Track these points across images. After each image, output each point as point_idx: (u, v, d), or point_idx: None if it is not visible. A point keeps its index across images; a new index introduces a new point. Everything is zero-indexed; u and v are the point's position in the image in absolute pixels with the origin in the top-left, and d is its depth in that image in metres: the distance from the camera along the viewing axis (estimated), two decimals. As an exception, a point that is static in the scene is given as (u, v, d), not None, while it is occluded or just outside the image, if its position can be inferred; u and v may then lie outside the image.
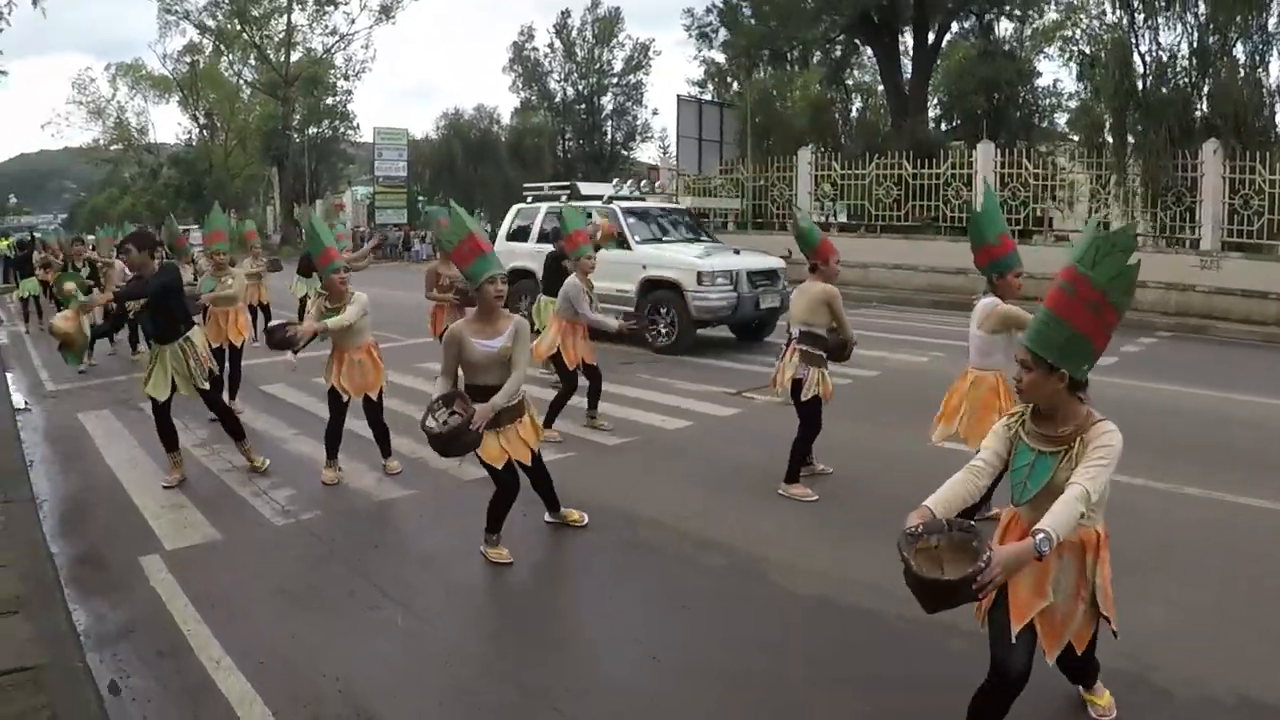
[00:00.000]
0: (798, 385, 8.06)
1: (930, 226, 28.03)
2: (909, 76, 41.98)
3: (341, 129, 69.69)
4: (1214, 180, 22.32)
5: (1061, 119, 48.66)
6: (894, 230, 28.46)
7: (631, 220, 17.95)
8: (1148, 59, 32.31)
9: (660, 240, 18.14)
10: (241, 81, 68.60)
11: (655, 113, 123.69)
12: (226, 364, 11.41)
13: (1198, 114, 28.96)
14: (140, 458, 9.52)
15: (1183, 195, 23.38)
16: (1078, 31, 35.41)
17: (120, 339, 16.36)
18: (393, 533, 7.66)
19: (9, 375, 14.70)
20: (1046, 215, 27.26)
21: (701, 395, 12.34)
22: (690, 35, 49.31)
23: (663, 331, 16.28)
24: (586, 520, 7.38)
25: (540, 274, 14.27)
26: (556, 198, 20.15)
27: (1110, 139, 32.33)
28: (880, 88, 50.15)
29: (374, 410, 8.76)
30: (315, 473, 8.81)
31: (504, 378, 6.34)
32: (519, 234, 19.79)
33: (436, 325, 11.99)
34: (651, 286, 16.61)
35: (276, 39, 64.14)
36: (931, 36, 40.94)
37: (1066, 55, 36.72)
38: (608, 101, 68.19)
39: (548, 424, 9.72)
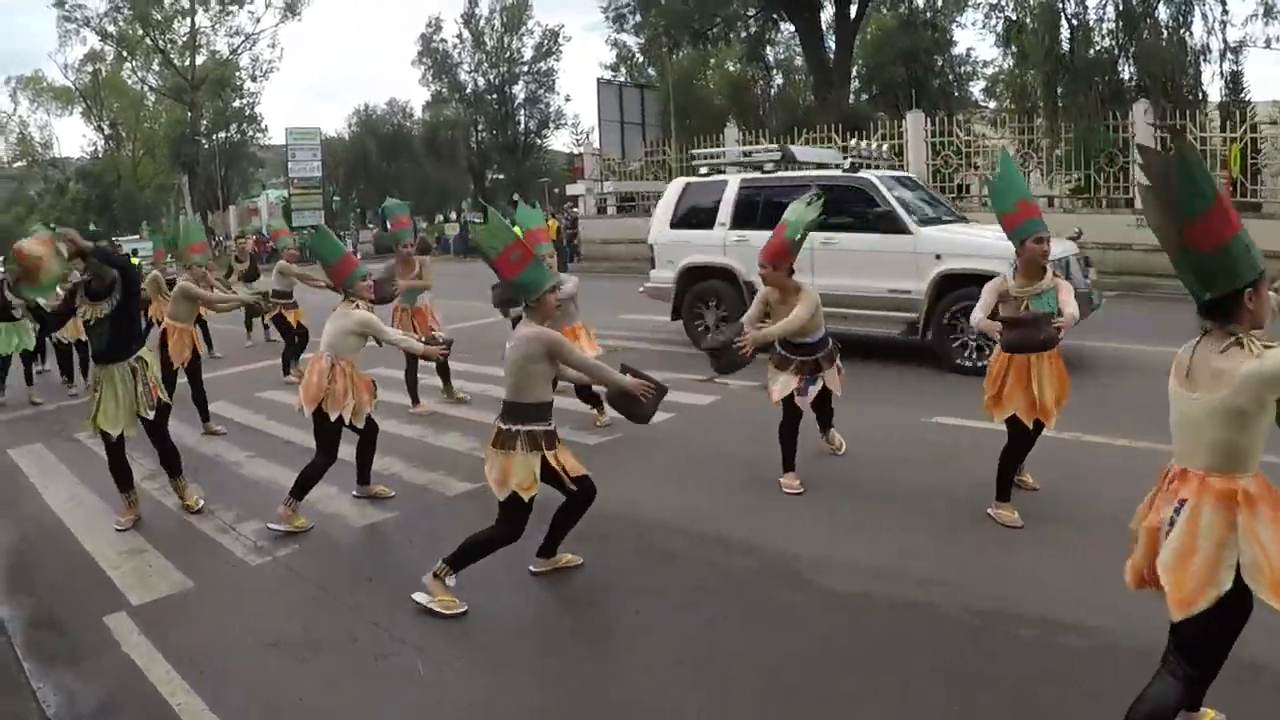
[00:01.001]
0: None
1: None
2: (832, 50, 41.40)
3: (250, 132, 68.03)
4: (1145, 140, 22.05)
5: (976, 87, 48.99)
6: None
7: (899, 194, 13.04)
8: (1074, 23, 32.42)
9: (939, 221, 13.20)
10: (146, 88, 66.64)
11: (568, 99, 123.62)
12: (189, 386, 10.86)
13: (1125, 76, 29.02)
14: (84, 495, 8.63)
15: (1115, 156, 23.20)
16: (1003, -2, 35.42)
17: (46, 367, 15.37)
18: (384, 563, 6.88)
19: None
20: (965, 183, 26.99)
21: (675, 385, 11.57)
22: (607, 18, 48.52)
23: (971, 345, 11.64)
24: (581, 560, 6.50)
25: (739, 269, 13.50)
26: (758, 166, 14.46)
27: (1041, 104, 32.46)
28: (799, 62, 50.29)
29: (366, 431, 7.94)
30: (280, 501, 8.02)
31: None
32: (694, 217, 14.53)
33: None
34: (950, 284, 11.97)
35: (180, 42, 62.43)
36: (854, 9, 40.43)
37: (992, 21, 36.47)
38: (519, 90, 67.56)
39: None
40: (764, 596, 5.82)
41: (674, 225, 14.74)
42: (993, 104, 45.96)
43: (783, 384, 7.56)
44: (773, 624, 5.44)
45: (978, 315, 6.60)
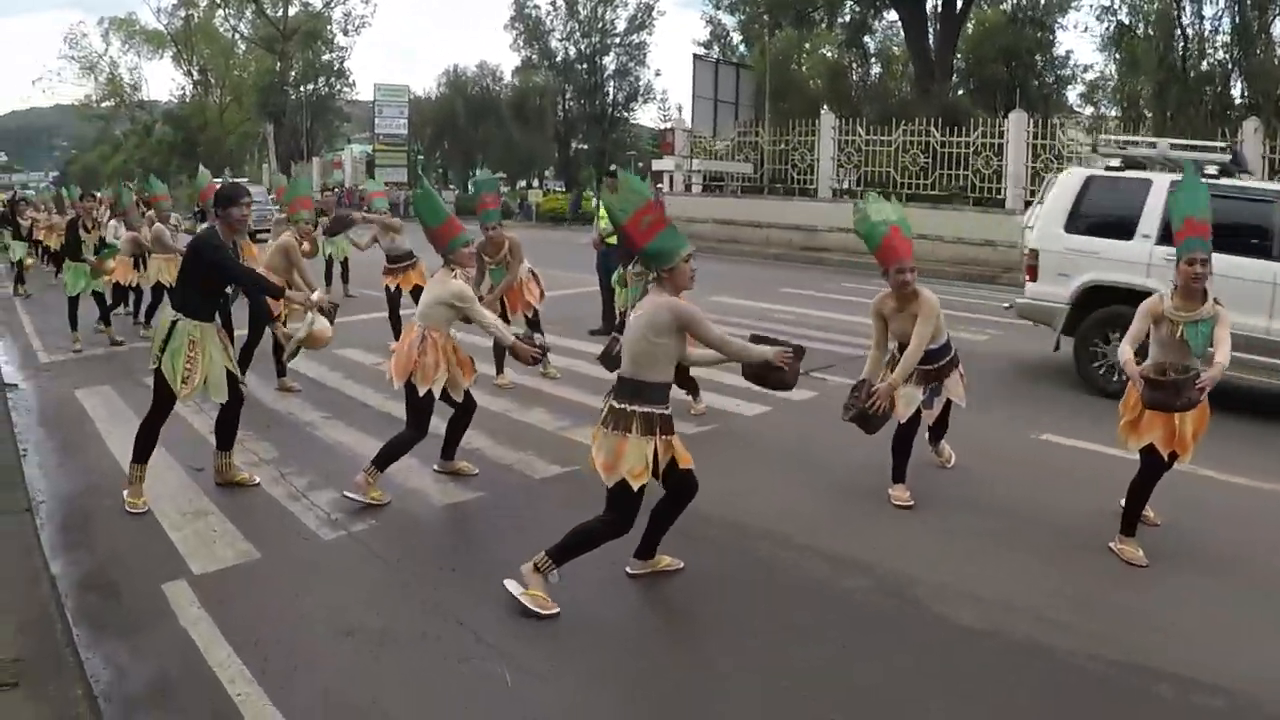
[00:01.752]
0: None
1: (957, 196, 26.81)
2: (934, 42, 40.26)
3: (338, 86, 68.27)
4: (1254, 159, 21.06)
5: (1073, 92, 47.76)
6: (919, 199, 27.01)
7: None
8: (1189, 33, 31.38)
9: None
10: (237, 36, 67.07)
11: (658, 74, 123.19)
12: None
13: (1235, 92, 28.06)
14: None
15: (1229, 172, 22.14)
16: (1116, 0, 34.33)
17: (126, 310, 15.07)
18: (467, 550, 6.32)
19: (-1, 345, 13.37)
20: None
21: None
22: (711, -7, 47.72)
23: None
24: (682, 564, 5.92)
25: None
26: (1197, 167, 8.86)
27: (1149, 113, 31.41)
28: (897, 52, 49.28)
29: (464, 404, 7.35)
30: (358, 469, 7.51)
31: None
32: (1101, 222, 11.05)
33: (511, 304, 10.60)
34: None
35: (274, -9, 62.63)
36: (960, 2, 39.25)
37: (1103, 25, 35.33)
38: (609, 61, 66.69)
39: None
40: (878, 622, 5.24)
41: (1070, 229, 11.20)
42: (1088, 110, 44.70)
43: (908, 398, 6.94)
44: (889, 654, 4.88)
45: (1124, 350, 6.03)
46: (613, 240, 13.07)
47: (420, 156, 60.08)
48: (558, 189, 60.98)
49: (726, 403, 9.76)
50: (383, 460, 6.83)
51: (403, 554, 6.07)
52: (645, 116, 69.59)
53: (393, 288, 12.44)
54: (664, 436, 5.12)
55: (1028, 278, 11.70)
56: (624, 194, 5.10)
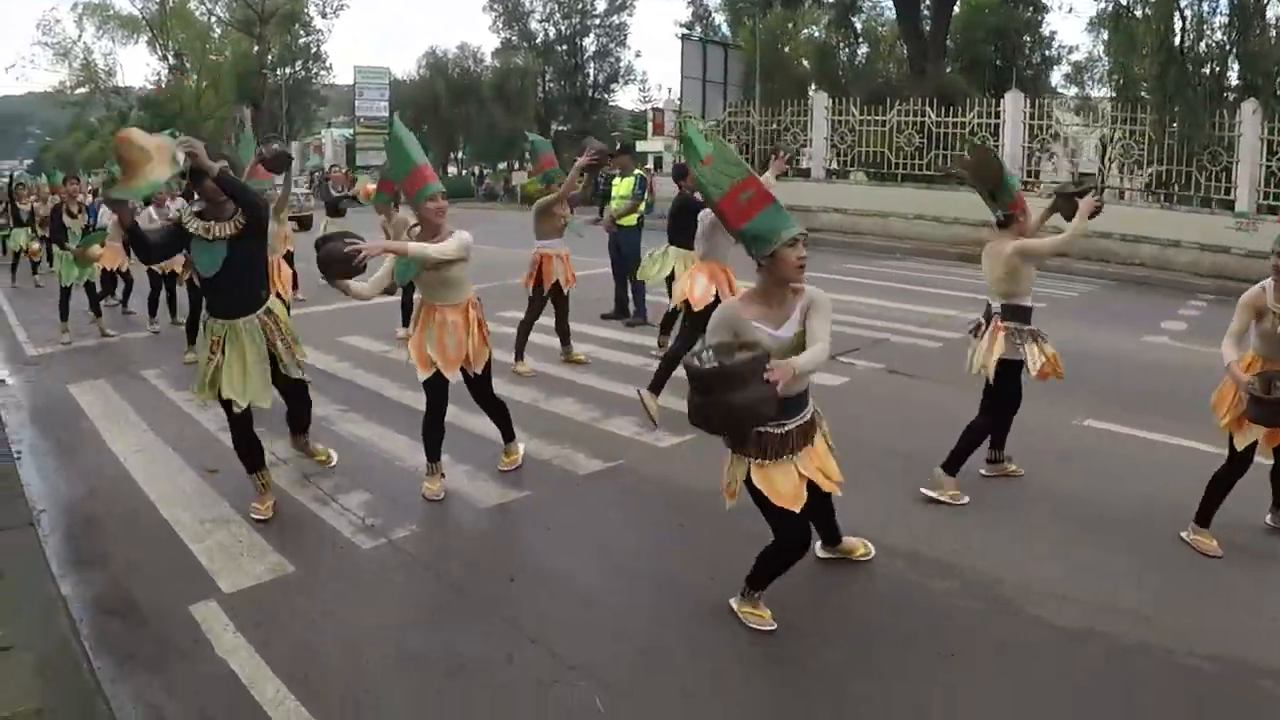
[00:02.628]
0: (1005, 366, 6.34)
1: (954, 177, 26.28)
2: (928, 22, 39.62)
3: (314, 70, 67.29)
4: (1252, 140, 20.63)
5: (1058, 72, 47.42)
6: (915, 180, 26.54)
7: None
8: (1188, 14, 31.08)
9: None
10: (213, 20, 65.91)
11: (638, 55, 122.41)
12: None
13: (1232, 73, 27.87)
14: (154, 446, 7.60)
15: (1218, 155, 21.60)
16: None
17: (115, 300, 14.39)
18: (522, 555, 5.75)
19: (-20, 337, 12.67)
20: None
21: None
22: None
23: None
24: (873, 552, 5.49)
25: None
26: None
27: (1148, 95, 31.01)
28: (883, 32, 48.74)
29: (481, 386, 6.67)
30: (385, 467, 6.94)
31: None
32: None
33: (543, 276, 9.99)
34: None
35: (251, -27, 61.55)
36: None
37: (1100, 4, 34.91)
38: (590, 43, 66.37)
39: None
40: (977, 628, 4.75)
41: None
42: (1073, 90, 44.37)
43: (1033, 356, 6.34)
44: (998, 662, 4.44)
45: (1227, 350, 5.51)
46: (627, 221, 12.47)
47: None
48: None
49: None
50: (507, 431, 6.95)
51: (452, 563, 5.52)
52: (625, 98, 69.05)
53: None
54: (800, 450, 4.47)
55: None
56: (719, 166, 4.40)
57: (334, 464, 6.82)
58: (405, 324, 10.88)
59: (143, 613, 4.90)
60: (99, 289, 12.95)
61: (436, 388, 6.35)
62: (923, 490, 6.32)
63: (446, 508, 6.32)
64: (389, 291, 10.92)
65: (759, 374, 3.75)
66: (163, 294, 13.08)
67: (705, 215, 8.43)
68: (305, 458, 6.91)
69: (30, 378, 10.43)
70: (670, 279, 10.21)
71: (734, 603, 4.78)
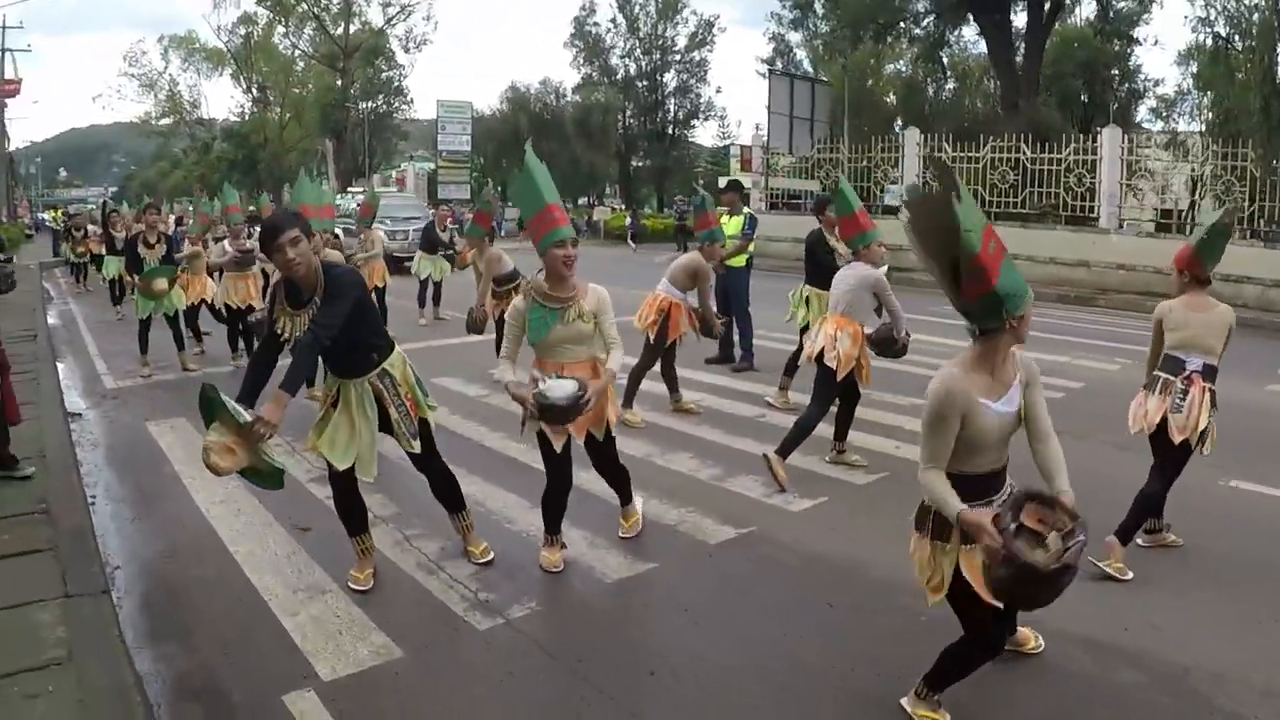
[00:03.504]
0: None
1: (1049, 215, 25.36)
2: (1020, 55, 38.60)
3: (396, 104, 67.68)
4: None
5: (1143, 107, 46.43)
6: (1009, 218, 25.44)
7: None
8: None
9: None
10: (296, 53, 66.70)
11: (719, 90, 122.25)
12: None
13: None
14: (241, 499, 6.90)
15: None
16: (1212, 11, 32.88)
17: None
18: (659, 641, 4.92)
19: (60, 367, 12.14)
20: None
21: (904, 409, 9.66)
22: (785, 8, 46.60)
23: None
24: (1044, 645, 4.71)
25: None
26: None
27: (1257, 128, 29.94)
28: (971, 65, 47.91)
29: (606, 450, 5.88)
30: (496, 530, 6.19)
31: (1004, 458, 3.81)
32: None
33: (670, 325, 9.27)
34: None
35: (334, 10, 62.10)
36: (1045, 12, 37.60)
37: (1197, 35, 33.92)
38: (670, 79, 65.95)
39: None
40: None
41: None
42: (1159, 125, 43.33)
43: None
44: None
45: None
46: (736, 262, 11.65)
47: (478, 174, 59.05)
48: (616, 205, 59.80)
49: (879, 441, 8.44)
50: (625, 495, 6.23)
51: (581, 650, 4.73)
52: (705, 134, 68.73)
53: (497, 314, 10.76)
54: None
55: None
56: (968, 210, 3.52)
57: (490, 559, 5.78)
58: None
59: (230, 701, 4.21)
60: (185, 322, 12.42)
61: (563, 454, 5.57)
62: (1092, 561, 5.45)
63: (567, 581, 5.57)
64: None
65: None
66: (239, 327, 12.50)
67: (857, 272, 7.62)
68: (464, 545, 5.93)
69: (108, 412, 9.91)
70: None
71: (907, 703, 4.07)
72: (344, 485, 5.29)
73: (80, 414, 9.74)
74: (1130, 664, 4.58)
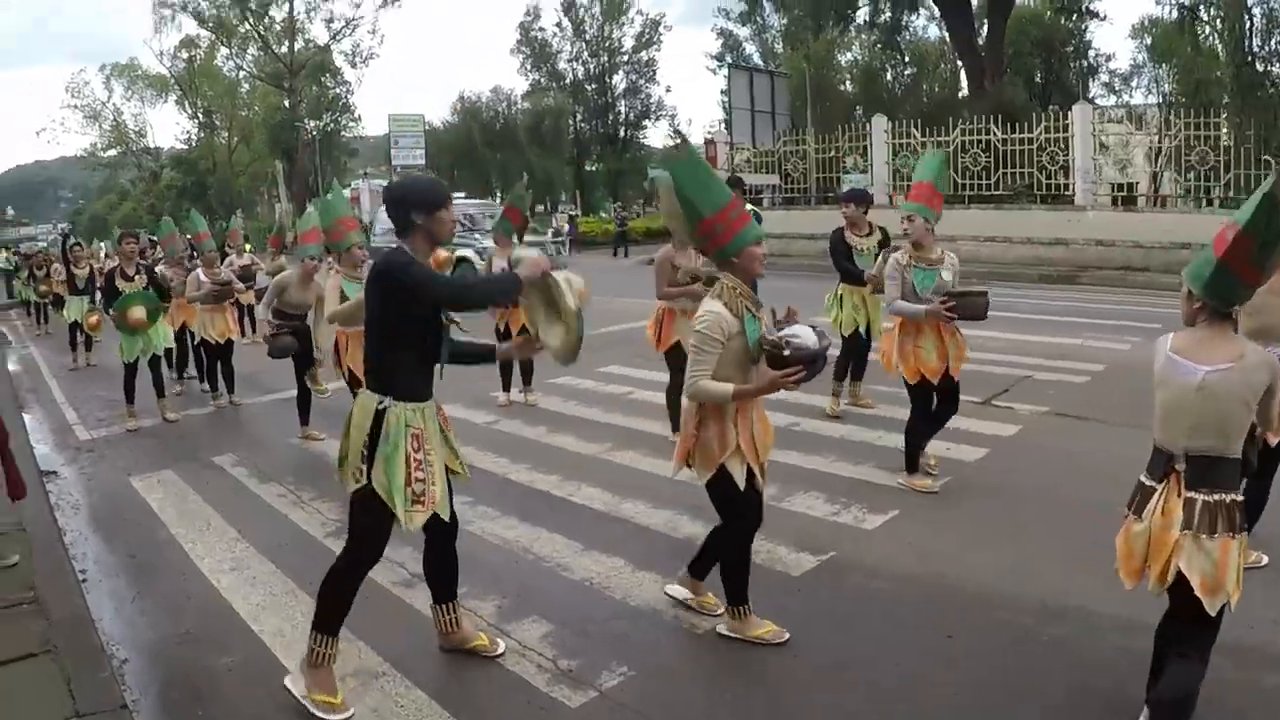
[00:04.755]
0: None
1: (1024, 196, 24.96)
2: (983, 36, 38.26)
3: (344, 121, 66.71)
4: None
5: (1095, 83, 46.45)
6: (983, 200, 25.37)
7: None
8: (1256, 13, 30.33)
9: None
10: (242, 74, 65.71)
11: (668, 90, 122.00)
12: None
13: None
14: (253, 562, 6.09)
15: None
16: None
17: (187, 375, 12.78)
18: (774, 702, 4.18)
19: (26, 419, 11.19)
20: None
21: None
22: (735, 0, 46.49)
23: None
24: None
25: None
26: None
27: (1226, 99, 29.79)
28: (928, 51, 47.71)
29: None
30: (553, 581, 5.45)
31: None
32: None
33: (663, 335, 8.26)
34: None
35: (278, 28, 61.10)
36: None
37: (1163, 7, 33.75)
38: (619, 80, 65.89)
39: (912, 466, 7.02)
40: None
41: None
42: (1111, 99, 43.30)
43: None
44: None
45: None
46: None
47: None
48: (573, 211, 58.75)
49: (936, 446, 7.57)
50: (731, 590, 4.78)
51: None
52: (656, 136, 68.37)
53: (501, 326, 9.99)
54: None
55: None
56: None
57: (500, 653, 4.69)
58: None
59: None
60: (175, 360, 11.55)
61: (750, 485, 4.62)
62: None
63: (655, 636, 4.81)
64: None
65: None
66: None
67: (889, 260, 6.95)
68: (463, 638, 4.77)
69: (85, 468, 9.00)
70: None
71: None
72: (446, 539, 4.50)
73: (55, 472, 8.84)
74: (1272, 666, 4.23)
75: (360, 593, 4.29)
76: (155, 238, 20.39)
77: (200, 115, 67.92)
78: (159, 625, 5.32)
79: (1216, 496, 3.32)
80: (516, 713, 4.14)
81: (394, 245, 4.16)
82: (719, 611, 4.85)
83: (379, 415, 4.05)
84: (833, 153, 29.73)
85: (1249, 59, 29.39)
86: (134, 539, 6.84)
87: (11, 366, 16.36)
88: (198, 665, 4.77)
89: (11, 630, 4.90)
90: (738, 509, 4.56)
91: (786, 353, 4.15)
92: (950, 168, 26.29)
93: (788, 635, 4.65)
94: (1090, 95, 44.25)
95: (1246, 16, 30.45)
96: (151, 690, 4.54)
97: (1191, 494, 3.34)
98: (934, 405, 6.93)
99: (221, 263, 12.55)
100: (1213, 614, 3.32)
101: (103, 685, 4.23)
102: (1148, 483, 3.51)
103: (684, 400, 4.57)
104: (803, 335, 4.21)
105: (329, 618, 4.16)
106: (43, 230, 74.33)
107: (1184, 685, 3.33)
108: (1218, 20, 31.35)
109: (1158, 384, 3.46)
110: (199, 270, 11.31)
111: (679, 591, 5.05)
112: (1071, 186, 24.67)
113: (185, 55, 64.96)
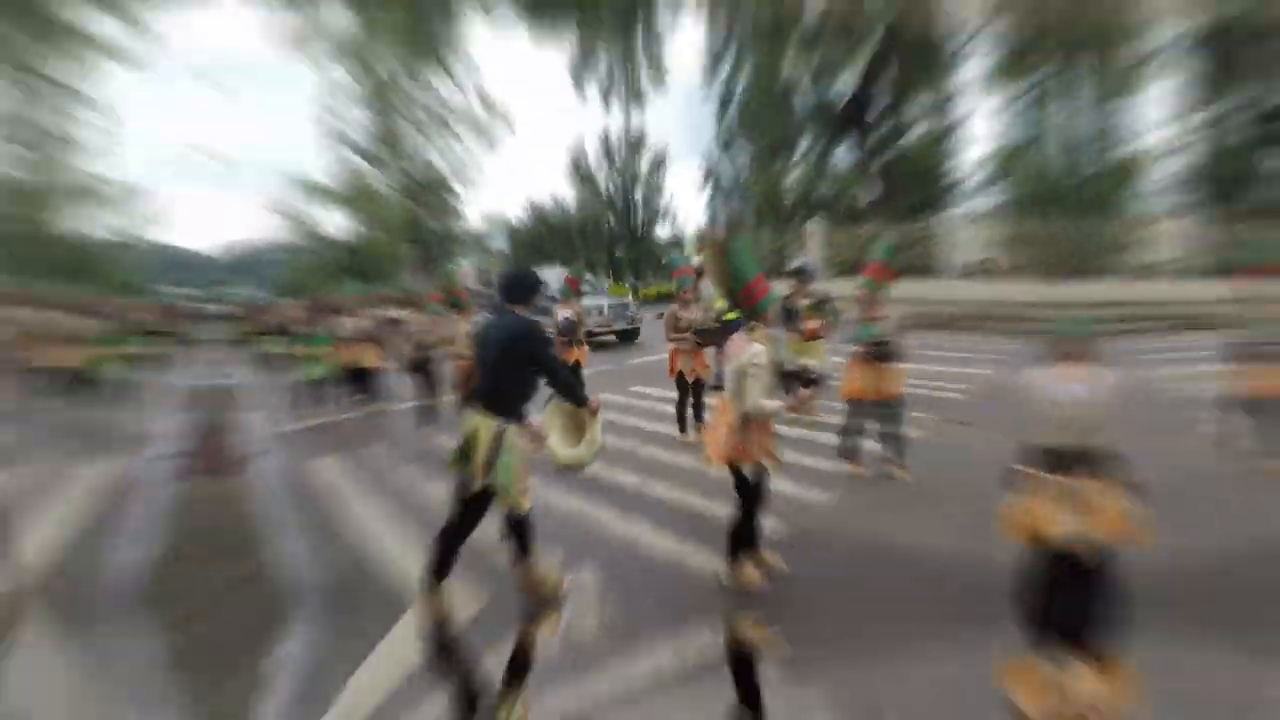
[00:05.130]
0: None
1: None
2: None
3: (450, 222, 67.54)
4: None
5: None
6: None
7: None
8: None
9: None
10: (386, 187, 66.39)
11: (671, 198, 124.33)
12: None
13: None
14: (405, 518, 6.04)
15: None
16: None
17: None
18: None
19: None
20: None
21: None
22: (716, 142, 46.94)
23: None
24: None
25: None
26: None
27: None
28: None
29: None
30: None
31: None
32: None
33: (671, 366, 8.33)
34: None
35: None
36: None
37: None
38: (638, 194, 66.67)
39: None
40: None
41: None
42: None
43: None
44: None
45: None
46: (730, 316, 10.84)
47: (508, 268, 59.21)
48: (606, 283, 59.42)
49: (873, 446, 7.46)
50: (736, 551, 4.62)
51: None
52: (663, 231, 70.08)
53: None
54: None
55: None
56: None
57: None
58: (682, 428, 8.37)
59: None
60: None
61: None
62: None
63: (669, 576, 4.74)
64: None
65: None
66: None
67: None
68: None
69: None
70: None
71: None
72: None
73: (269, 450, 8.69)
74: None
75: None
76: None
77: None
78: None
79: None
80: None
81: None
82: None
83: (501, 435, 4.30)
84: (779, 245, 30.25)
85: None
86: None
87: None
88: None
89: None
90: (761, 490, 4.58)
91: (814, 375, 4.60)
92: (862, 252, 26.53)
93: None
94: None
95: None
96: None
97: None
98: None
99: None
100: None
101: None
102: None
103: (733, 413, 4.46)
104: (811, 364, 4.90)
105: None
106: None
107: None
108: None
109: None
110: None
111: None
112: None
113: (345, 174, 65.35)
